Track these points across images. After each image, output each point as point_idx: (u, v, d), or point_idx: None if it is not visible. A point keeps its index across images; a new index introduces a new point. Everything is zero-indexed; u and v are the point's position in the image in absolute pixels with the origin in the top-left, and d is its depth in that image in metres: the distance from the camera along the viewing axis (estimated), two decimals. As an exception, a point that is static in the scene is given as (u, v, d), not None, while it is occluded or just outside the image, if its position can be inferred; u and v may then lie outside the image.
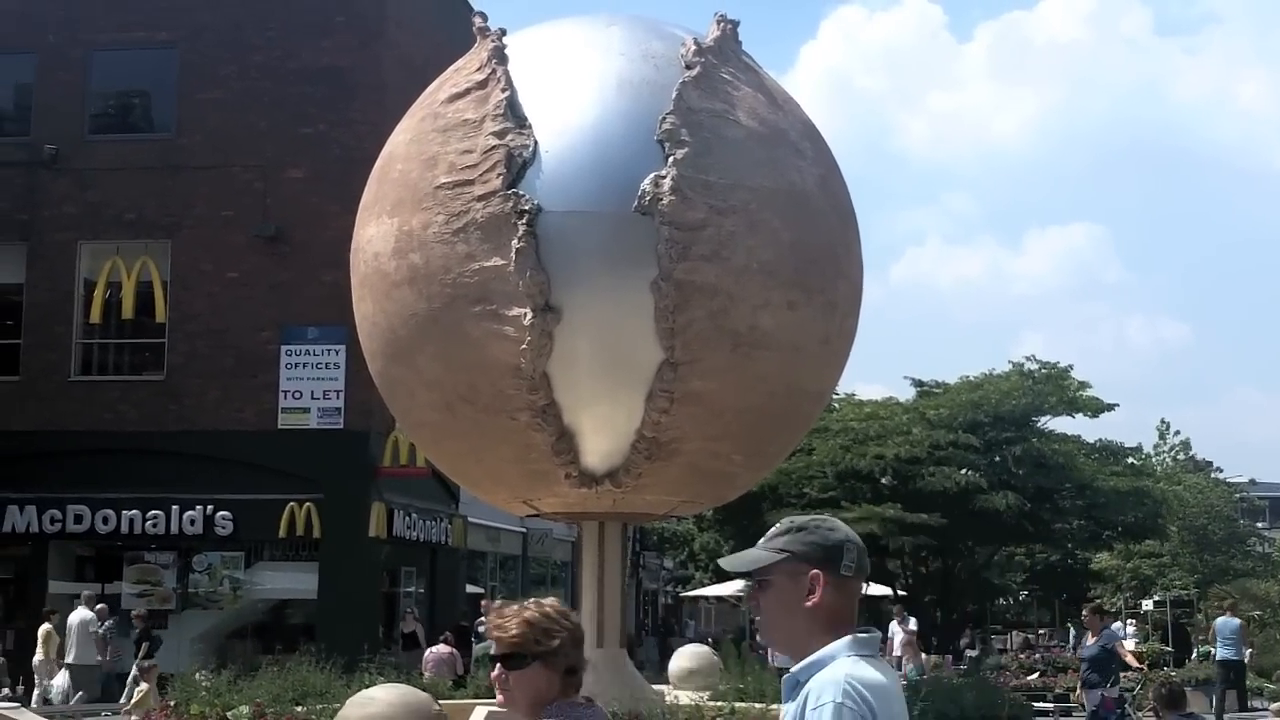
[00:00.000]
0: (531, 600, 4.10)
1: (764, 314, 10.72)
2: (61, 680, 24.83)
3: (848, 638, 3.63)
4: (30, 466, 29.42)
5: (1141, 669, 31.50)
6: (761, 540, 3.77)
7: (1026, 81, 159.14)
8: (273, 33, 30.90)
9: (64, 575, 30.88)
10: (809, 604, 3.64)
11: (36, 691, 25.17)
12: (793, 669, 3.68)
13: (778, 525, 3.78)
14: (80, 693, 24.73)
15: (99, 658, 25.73)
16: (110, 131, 32.08)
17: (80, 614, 26.03)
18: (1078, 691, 21.14)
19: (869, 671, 3.56)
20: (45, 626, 26.20)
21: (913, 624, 32.27)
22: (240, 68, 30.85)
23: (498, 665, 4.02)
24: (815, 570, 3.63)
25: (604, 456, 10.98)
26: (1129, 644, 41.61)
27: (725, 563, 3.99)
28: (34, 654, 25.89)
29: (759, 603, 3.78)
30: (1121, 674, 21.36)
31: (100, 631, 25.97)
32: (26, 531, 29.84)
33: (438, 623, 31.06)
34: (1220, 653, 27.11)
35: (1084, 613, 21.79)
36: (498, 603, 4.46)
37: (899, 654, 30.41)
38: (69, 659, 25.44)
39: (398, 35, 31.23)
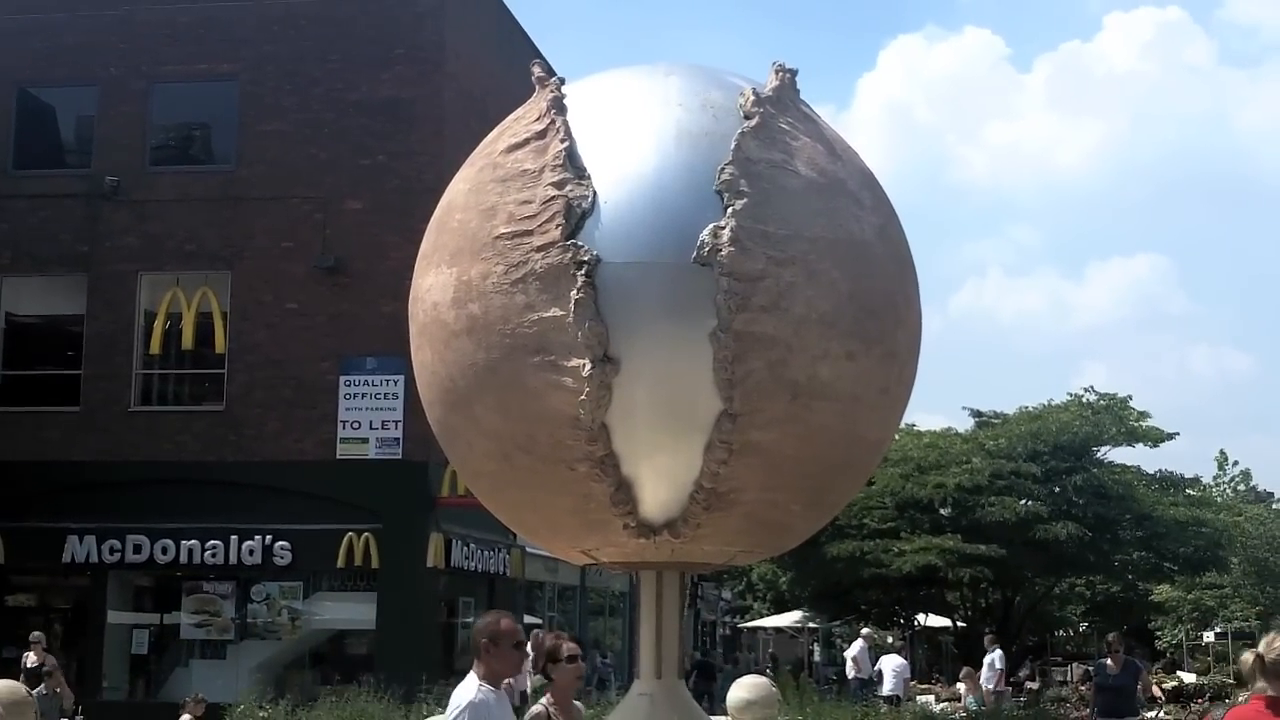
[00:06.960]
0: None
1: (823, 365, 10.58)
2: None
3: None
4: (90, 496, 29.68)
5: (1159, 698, 31.30)
6: None
7: (1087, 112, 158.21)
8: (333, 65, 31.10)
9: (123, 605, 31.11)
10: None
11: None
12: None
13: None
14: None
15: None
16: (171, 163, 32.39)
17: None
18: None
19: None
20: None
21: (985, 660, 32.24)
22: (300, 99, 31.07)
23: None
24: None
25: (662, 507, 10.83)
26: (1188, 677, 41.33)
27: None
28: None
29: None
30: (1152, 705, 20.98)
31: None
32: (86, 561, 30.10)
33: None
34: None
35: (1110, 637, 21.36)
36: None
37: (991, 687, 30.17)
38: None
39: (457, 67, 31.37)
